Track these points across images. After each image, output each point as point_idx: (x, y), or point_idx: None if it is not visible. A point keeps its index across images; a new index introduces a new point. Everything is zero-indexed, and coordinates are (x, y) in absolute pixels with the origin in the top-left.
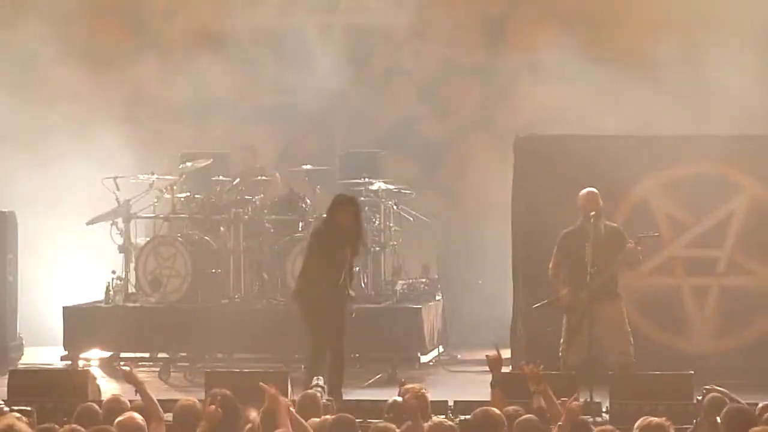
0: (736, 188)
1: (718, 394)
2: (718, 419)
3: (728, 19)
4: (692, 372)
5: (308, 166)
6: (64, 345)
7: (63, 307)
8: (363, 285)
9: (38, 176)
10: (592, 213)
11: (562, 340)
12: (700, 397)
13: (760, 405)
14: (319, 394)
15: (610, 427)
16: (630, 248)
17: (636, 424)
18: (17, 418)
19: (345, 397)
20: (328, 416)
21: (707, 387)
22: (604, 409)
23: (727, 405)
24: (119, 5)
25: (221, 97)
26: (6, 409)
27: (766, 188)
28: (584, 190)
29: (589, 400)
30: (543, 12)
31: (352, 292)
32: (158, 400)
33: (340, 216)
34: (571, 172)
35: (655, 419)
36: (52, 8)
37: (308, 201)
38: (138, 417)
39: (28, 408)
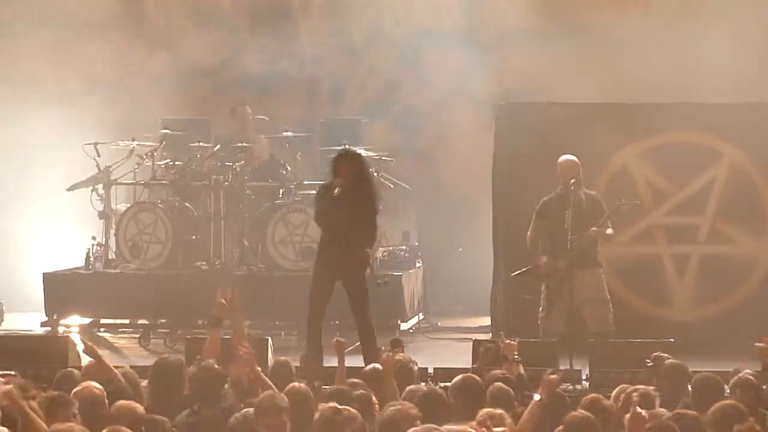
0: (717, 156)
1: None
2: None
3: None
4: (672, 340)
5: (289, 133)
6: (44, 311)
7: (43, 273)
8: None
9: (18, 141)
10: (572, 181)
11: (541, 308)
12: (649, 363)
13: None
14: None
15: (594, 394)
16: (594, 231)
17: (614, 392)
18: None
19: (327, 363)
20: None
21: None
22: (584, 377)
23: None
24: None
25: (202, 64)
26: None
27: (746, 156)
28: (564, 158)
29: (569, 367)
30: None
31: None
32: (138, 366)
33: (336, 170)
34: (552, 140)
35: (641, 387)
36: None
37: (289, 168)
38: (96, 386)
39: (12, 372)
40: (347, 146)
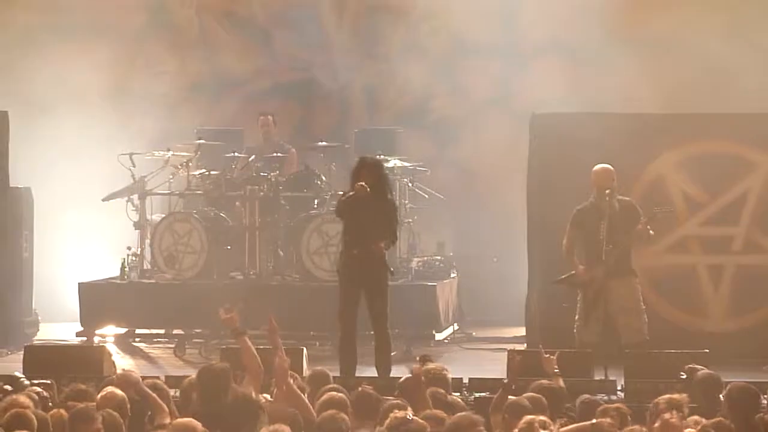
0: (752, 167)
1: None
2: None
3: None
4: (707, 351)
5: (324, 143)
6: (80, 321)
7: (79, 284)
8: None
9: (54, 152)
10: (607, 191)
11: (576, 317)
12: (684, 375)
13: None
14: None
15: (616, 404)
16: (640, 229)
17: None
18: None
19: (361, 373)
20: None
21: (690, 366)
22: (619, 387)
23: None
24: None
25: (237, 74)
26: (26, 382)
27: None
28: (598, 167)
29: (604, 378)
30: None
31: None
32: (172, 377)
33: (356, 177)
34: (587, 150)
35: (675, 395)
36: None
37: (323, 178)
38: (119, 392)
39: (48, 381)
40: (366, 155)
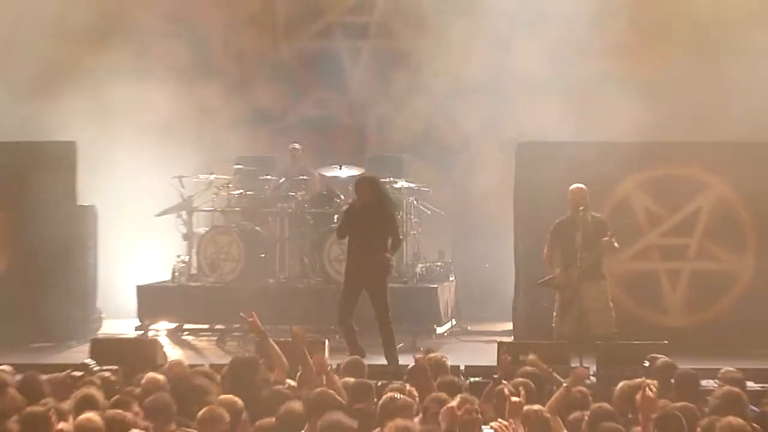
0: (704, 186)
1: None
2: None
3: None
4: (666, 342)
5: (342, 168)
6: (137, 318)
7: (136, 286)
8: None
9: (117, 175)
10: (581, 208)
11: (554, 314)
12: (647, 363)
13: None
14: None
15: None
16: (606, 241)
17: (619, 386)
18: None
19: (371, 362)
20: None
21: (652, 355)
22: (591, 373)
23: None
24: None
25: (268, 109)
26: (96, 368)
27: (729, 187)
28: (574, 186)
29: (579, 365)
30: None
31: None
32: (216, 365)
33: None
34: (565, 173)
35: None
36: (136, 30)
37: (342, 197)
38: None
39: (115, 367)
40: (364, 174)
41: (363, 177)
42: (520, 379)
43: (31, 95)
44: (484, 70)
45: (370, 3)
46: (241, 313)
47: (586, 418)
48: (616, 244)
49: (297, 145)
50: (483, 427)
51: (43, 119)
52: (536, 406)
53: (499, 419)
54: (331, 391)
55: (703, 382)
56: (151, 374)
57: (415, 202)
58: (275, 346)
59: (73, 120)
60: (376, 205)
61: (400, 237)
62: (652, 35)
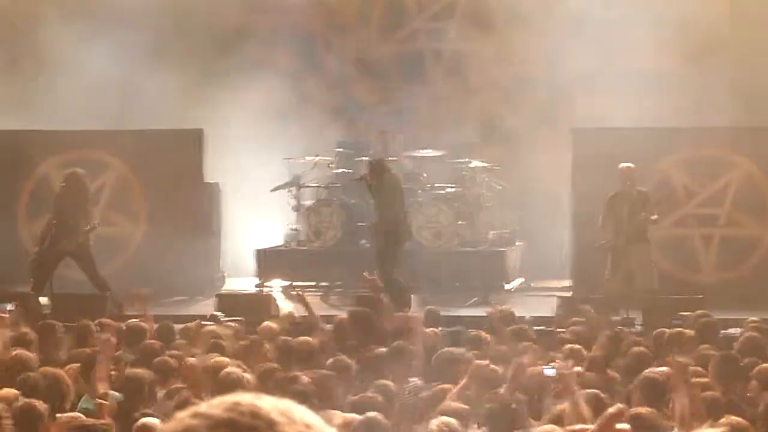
0: (732, 165)
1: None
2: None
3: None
4: (702, 296)
5: (425, 151)
6: (257, 276)
7: (254, 250)
8: (465, 235)
9: (238, 157)
10: (628, 183)
11: (606, 272)
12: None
13: (749, 319)
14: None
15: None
16: (644, 217)
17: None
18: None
19: (453, 313)
20: None
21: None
22: (637, 323)
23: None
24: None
25: (363, 101)
26: (223, 319)
27: (754, 165)
28: (623, 165)
29: (626, 316)
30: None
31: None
32: (322, 315)
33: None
34: (615, 155)
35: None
36: (256, 34)
37: (425, 175)
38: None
39: (240, 318)
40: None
41: (373, 161)
42: (575, 328)
43: (183, 88)
44: (544, 65)
45: (450, 11)
46: (365, 273)
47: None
48: (654, 217)
49: (386, 131)
50: (544, 367)
51: (190, 108)
52: None
53: (557, 360)
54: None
55: (732, 330)
56: (266, 323)
57: (486, 179)
58: (382, 300)
59: (206, 109)
60: (380, 183)
61: (390, 215)
62: (685, 37)
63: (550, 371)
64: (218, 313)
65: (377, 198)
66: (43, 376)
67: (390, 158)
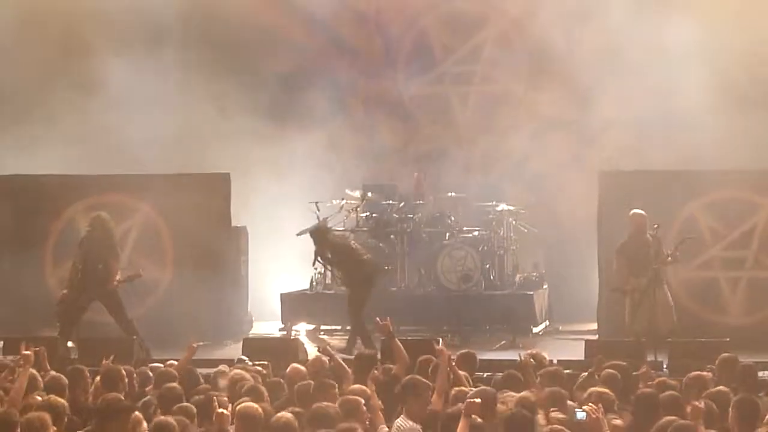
0: (758, 207)
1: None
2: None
3: None
4: (728, 339)
5: (452, 194)
6: (281, 320)
7: (280, 294)
8: (492, 278)
9: (264, 201)
10: (655, 226)
11: (627, 315)
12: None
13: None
14: None
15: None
16: (672, 252)
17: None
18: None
19: (482, 357)
20: None
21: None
22: (664, 366)
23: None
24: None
25: (390, 144)
26: (249, 363)
27: None
28: (636, 211)
29: (653, 359)
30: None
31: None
32: (346, 359)
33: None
34: (638, 196)
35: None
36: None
37: (452, 218)
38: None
39: (265, 362)
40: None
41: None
42: (609, 371)
43: (209, 131)
44: (570, 109)
45: (476, 55)
46: (377, 318)
47: None
48: (678, 254)
49: (419, 174)
50: (576, 409)
51: (216, 152)
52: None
53: (590, 404)
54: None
55: (761, 373)
56: (294, 365)
57: (513, 222)
58: (399, 344)
59: (232, 152)
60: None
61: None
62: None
63: (581, 414)
64: (244, 357)
65: (338, 263)
66: None
67: (417, 201)
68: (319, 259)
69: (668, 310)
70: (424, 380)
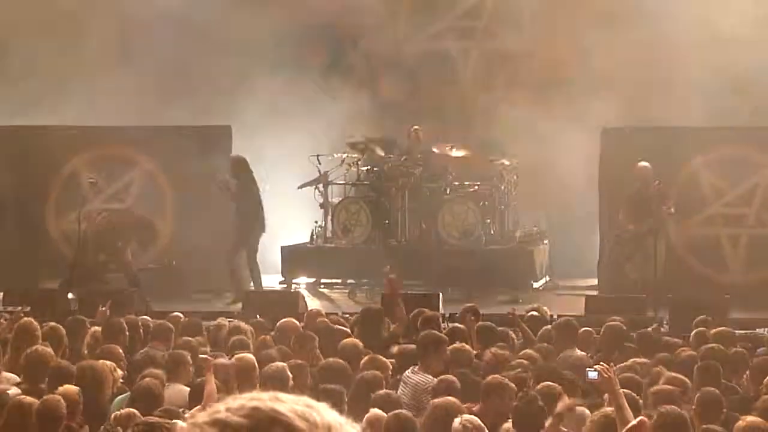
0: (760, 165)
1: None
2: None
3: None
4: (728, 295)
5: (453, 149)
6: (282, 273)
7: (281, 247)
8: (492, 233)
9: (267, 155)
10: (656, 182)
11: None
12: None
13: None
14: None
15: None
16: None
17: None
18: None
19: (484, 311)
20: None
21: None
22: (665, 322)
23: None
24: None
25: (392, 98)
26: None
27: None
28: (642, 164)
29: (653, 314)
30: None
31: None
32: (347, 313)
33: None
34: (641, 154)
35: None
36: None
37: (453, 173)
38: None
39: (261, 319)
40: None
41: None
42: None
43: (210, 86)
44: (573, 67)
45: (478, 10)
46: (388, 266)
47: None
48: (671, 210)
49: (417, 128)
50: (588, 370)
51: (217, 106)
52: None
53: (601, 363)
54: None
55: (759, 330)
56: (287, 319)
57: (515, 178)
58: (401, 304)
59: (233, 106)
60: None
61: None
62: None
63: (592, 374)
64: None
65: (236, 192)
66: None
67: (419, 155)
68: (220, 182)
69: (657, 262)
70: (442, 335)
